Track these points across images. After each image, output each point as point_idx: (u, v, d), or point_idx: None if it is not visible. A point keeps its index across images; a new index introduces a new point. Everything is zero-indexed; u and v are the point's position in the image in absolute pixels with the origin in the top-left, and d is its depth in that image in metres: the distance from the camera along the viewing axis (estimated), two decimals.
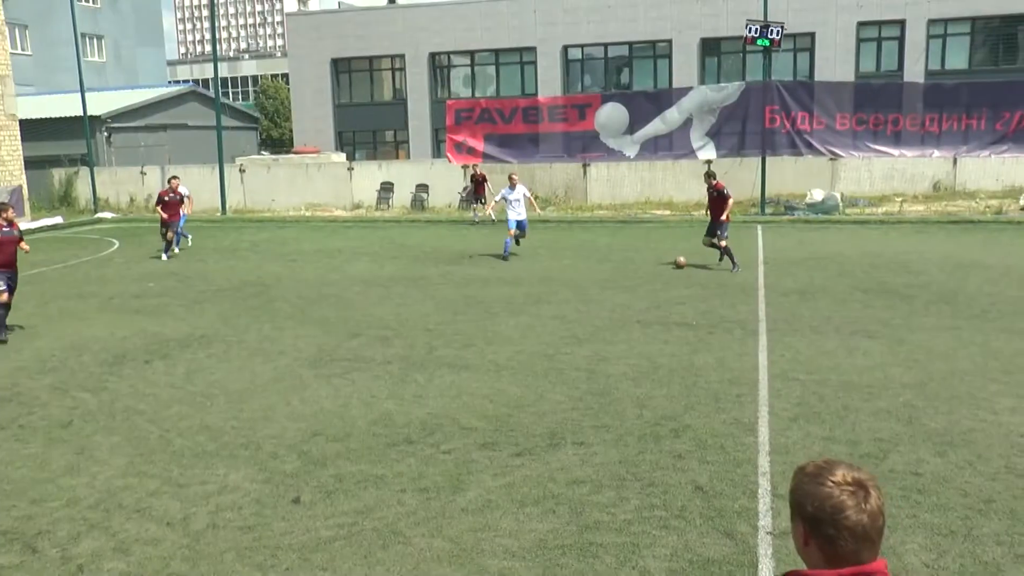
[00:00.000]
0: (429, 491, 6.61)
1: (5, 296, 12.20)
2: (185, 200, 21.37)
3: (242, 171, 33.05)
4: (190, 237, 22.50)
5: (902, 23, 36.47)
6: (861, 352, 10.26)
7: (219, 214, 30.73)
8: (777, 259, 17.64)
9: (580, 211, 28.28)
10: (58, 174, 34.63)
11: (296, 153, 40.19)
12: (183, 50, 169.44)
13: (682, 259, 16.71)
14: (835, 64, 36.72)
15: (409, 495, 6.54)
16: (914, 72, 35.89)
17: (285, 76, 65.12)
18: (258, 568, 5.54)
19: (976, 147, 24.96)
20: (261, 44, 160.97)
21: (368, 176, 32.31)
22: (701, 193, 28.22)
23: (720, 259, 16.68)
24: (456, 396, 8.99)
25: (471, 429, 7.96)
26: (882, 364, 9.74)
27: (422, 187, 31.27)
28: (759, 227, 23.34)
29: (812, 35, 37.19)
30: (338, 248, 21.44)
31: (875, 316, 12.20)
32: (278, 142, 63.96)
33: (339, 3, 54.44)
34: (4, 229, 12.42)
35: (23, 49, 44.91)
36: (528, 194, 19.21)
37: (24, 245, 12.94)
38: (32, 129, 33.04)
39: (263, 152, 50.79)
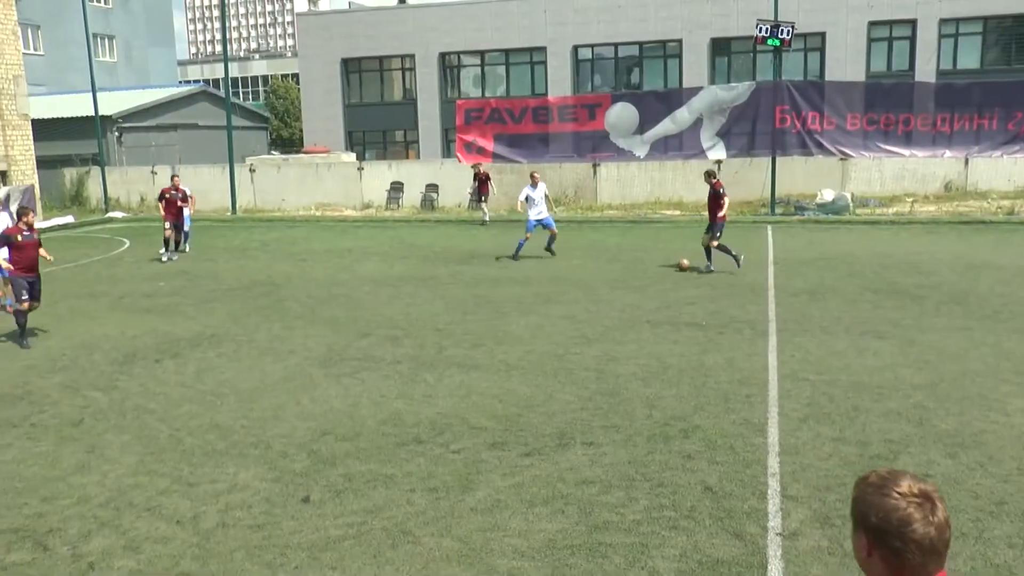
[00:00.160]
0: (438, 491, 6.61)
1: (27, 304, 12.05)
2: (188, 199, 20.99)
3: (252, 171, 33.14)
4: (187, 246, 21.55)
5: (913, 23, 36.32)
6: (871, 353, 10.22)
7: (229, 214, 30.82)
8: (787, 259, 17.59)
9: (590, 211, 28.26)
10: (69, 174, 34.79)
11: (306, 153, 40.31)
12: (194, 50, 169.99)
13: (685, 261, 16.66)
14: (846, 64, 36.59)
15: (418, 494, 6.55)
16: (926, 72, 35.74)
17: (295, 76, 65.24)
18: (267, 566, 5.55)
19: (988, 147, 24.82)
20: (271, 44, 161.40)
21: (378, 176, 32.35)
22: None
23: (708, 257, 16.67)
24: (466, 396, 9.00)
25: (480, 429, 7.96)
26: (892, 365, 9.70)
27: (432, 187, 31.29)
28: (769, 227, 23.28)
29: (823, 35, 37.07)
30: (348, 248, 21.47)
31: (885, 317, 12.15)
32: (288, 142, 64.07)
33: (349, 3, 54.59)
34: (25, 233, 12.28)
35: (36, 49, 45.13)
36: (547, 192, 19.07)
37: (46, 254, 12.71)
38: (44, 129, 33.20)
39: (273, 152, 50.90)
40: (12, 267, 12.10)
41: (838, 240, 20.48)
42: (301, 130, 50.18)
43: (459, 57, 42.44)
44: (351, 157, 37.42)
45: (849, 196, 26.11)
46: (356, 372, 10.03)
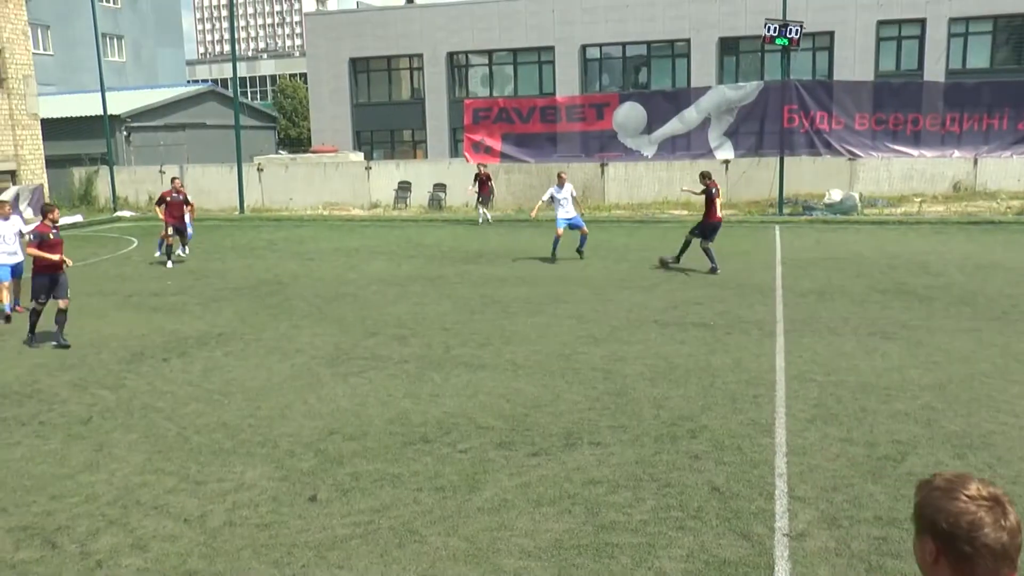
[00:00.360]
0: (445, 490, 6.61)
1: (43, 306, 11.80)
2: (190, 204, 20.18)
3: (260, 170, 33.21)
4: (187, 249, 20.43)
5: (922, 22, 36.21)
6: (879, 353, 10.20)
7: (237, 213, 30.89)
8: (795, 259, 17.55)
9: (598, 211, 28.22)
10: (78, 173, 34.90)
11: (314, 152, 40.37)
12: (202, 50, 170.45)
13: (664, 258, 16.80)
14: (854, 63, 36.50)
15: (425, 494, 6.56)
16: (935, 71, 35.62)
17: (303, 76, 65.37)
18: (274, 565, 5.56)
19: (997, 147, 24.70)
20: (279, 44, 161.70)
21: (386, 175, 32.40)
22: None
23: (683, 253, 16.74)
24: (473, 395, 9.00)
25: (488, 428, 7.96)
26: (900, 366, 9.67)
27: (439, 186, 31.30)
28: (777, 227, 23.24)
29: (831, 34, 36.99)
30: (355, 247, 21.49)
31: (893, 317, 12.12)
32: (296, 141, 64.18)
33: (357, 3, 54.65)
34: (53, 232, 11.90)
35: (45, 49, 45.30)
36: (575, 193, 18.71)
37: (67, 259, 12.24)
38: (53, 128, 33.34)
39: (281, 151, 51.01)
40: (42, 253, 11.58)
41: (846, 240, 20.42)
42: (309, 129, 50.28)
43: (467, 57, 42.46)
44: (359, 156, 37.49)
45: (857, 196, 26.04)
46: (363, 371, 10.04)
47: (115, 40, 50.66)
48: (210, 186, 32.48)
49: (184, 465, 7.29)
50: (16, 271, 14.11)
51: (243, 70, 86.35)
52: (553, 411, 8.42)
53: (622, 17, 39.19)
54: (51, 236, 11.84)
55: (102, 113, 33.05)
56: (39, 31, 44.11)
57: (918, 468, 6.77)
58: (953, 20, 35.88)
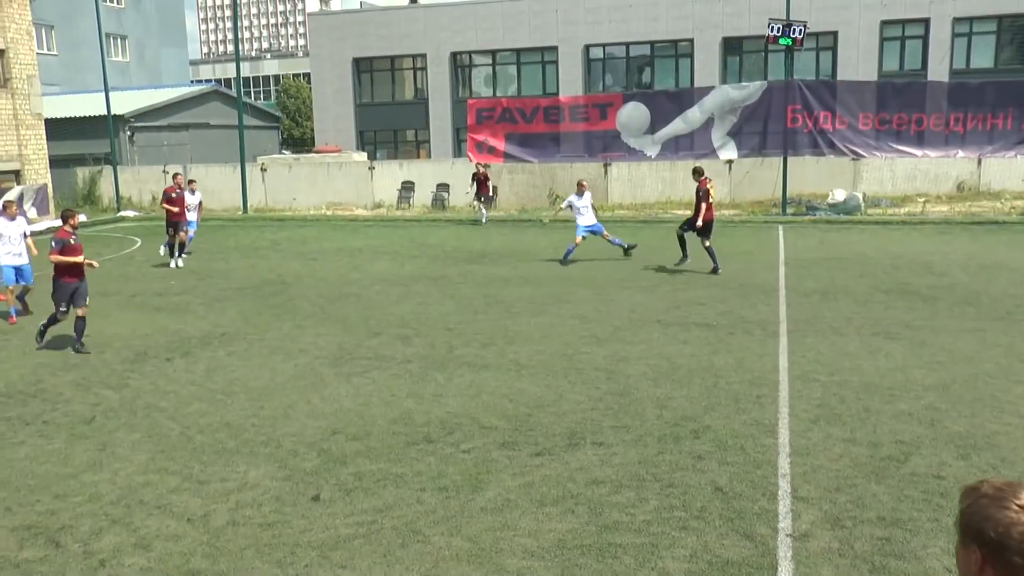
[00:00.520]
0: (448, 490, 6.62)
1: (65, 315, 11.50)
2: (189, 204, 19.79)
3: (263, 170, 33.24)
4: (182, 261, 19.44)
5: (926, 21, 36.15)
6: (883, 354, 10.18)
7: (240, 213, 30.92)
8: (798, 259, 17.53)
9: (601, 211, 28.05)
10: (82, 173, 34.96)
11: (317, 152, 40.39)
12: (205, 50, 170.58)
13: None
14: (858, 63, 36.45)
15: (428, 494, 6.56)
16: (938, 71, 35.56)
17: (307, 75, 65.48)
18: (277, 565, 5.57)
19: (1001, 147, 24.67)
20: (283, 44, 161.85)
21: (389, 175, 32.41)
22: (722, 193, 28.25)
23: (681, 256, 16.70)
24: (476, 395, 9.00)
25: (491, 428, 7.96)
26: (904, 366, 9.66)
27: (443, 186, 31.32)
28: (780, 227, 23.21)
29: (835, 34, 36.94)
30: (359, 247, 21.51)
31: (897, 317, 12.10)
32: (299, 141, 64.22)
33: (361, 3, 54.71)
34: (73, 238, 11.60)
35: (49, 49, 45.38)
36: (592, 201, 18.40)
37: (93, 261, 12.06)
38: (57, 128, 33.38)
39: (284, 151, 51.03)
40: (64, 259, 11.32)
41: (850, 240, 20.40)
42: (312, 129, 50.30)
43: (470, 57, 42.46)
44: (362, 156, 37.48)
45: (861, 196, 26.01)
46: (366, 371, 10.04)
47: (119, 40, 50.74)
48: (214, 186, 32.48)
49: (187, 465, 7.30)
50: (21, 275, 13.83)
51: (247, 70, 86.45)
52: (556, 411, 8.42)
53: (625, 17, 39.18)
54: (71, 241, 11.56)
55: (106, 113, 33.11)
56: (43, 31, 44.21)
57: (922, 469, 6.77)
58: (957, 20, 35.82)
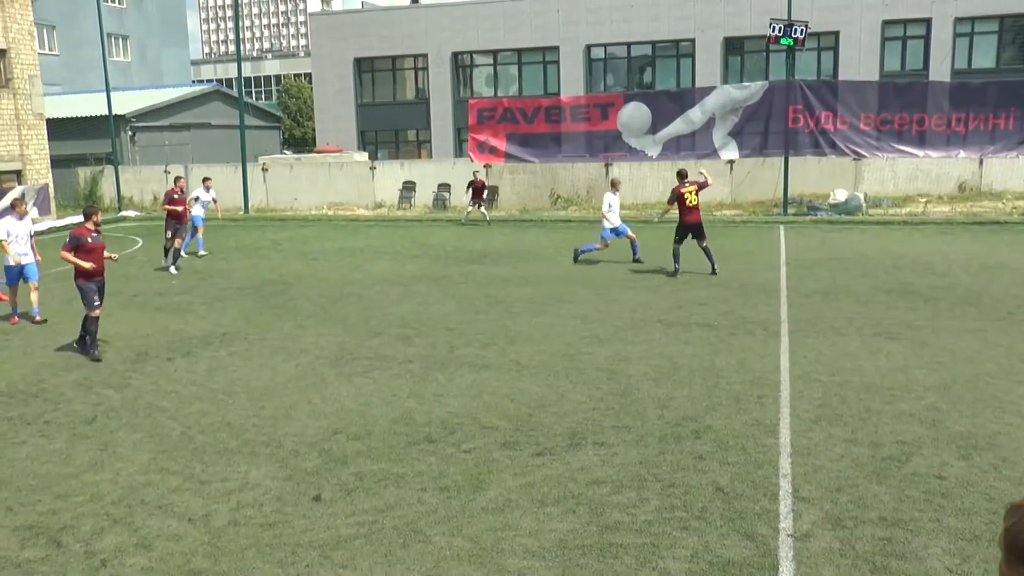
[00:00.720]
0: (449, 490, 6.62)
1: (98, 311, 11.24)
2: (191, 203, 19.61)
3: (265, 170, 33.25)
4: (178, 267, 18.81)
5: (928, 21, 36.14)
6: (884, 354, 10.18)
7: (241, 213, 30.93)
8: (799, 260, 17.52)
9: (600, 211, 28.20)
10: (83, 173, 34.97)
11: (319, 152, 40.41)
12: (207, 50, 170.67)
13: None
14: (859, 63, 36.44)
15: (429, 494, 6.56)
16: (940, 71, 35.55)
17: (308, 76, 65.49)
18: (279, 565, 5.57)
19: (1003, 147, 24.67)
20: (284, 44, 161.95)
21: (390, 175, 32.42)
22: (723, 193, 28.27)
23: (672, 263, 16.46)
24: (477, 395, 9.00)
25: (492, 428, 7.96)
26: (905, 366, 9.66)
27: (444, 186, 31.33)
28: (781, 227, 23.21)
29: (836, 34, 36.93)
30: (360, 247, 21.51)
31: (898, 318, 12.10)
32: (301, 141, 64.27)
33: (362, 3, 54.69)
34: (94, 235, 11.38)
35: (51, 49, 45.42)
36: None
37: (112, 254, 11.88)
38: (58, 128, 33.41)
39: (286, 151, 51.07)
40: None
41: (851, 240, 20.39)
42: (314, 129, 50.33)
43: (472, 57, 42.46)
44: (363, 156, 37.50)
45: (862, 196, 26.00)
46: (367, 371, 10.04)
47: (120, 40, 50.78)
48: (215, 186, 32.43)
49: (188, 464, 7.30)
50: (26, 273, 13.71)
51: (248, 70, 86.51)
52: (557, 411, 8.42)
53: (627, 17, 39.18)
54: (89, 240, 11.33)
55: (107, 113, 33.16)
56: (45, 31, 44.25)
57: (923, 469, 6.76)
58: (959, 20, 35.80)
